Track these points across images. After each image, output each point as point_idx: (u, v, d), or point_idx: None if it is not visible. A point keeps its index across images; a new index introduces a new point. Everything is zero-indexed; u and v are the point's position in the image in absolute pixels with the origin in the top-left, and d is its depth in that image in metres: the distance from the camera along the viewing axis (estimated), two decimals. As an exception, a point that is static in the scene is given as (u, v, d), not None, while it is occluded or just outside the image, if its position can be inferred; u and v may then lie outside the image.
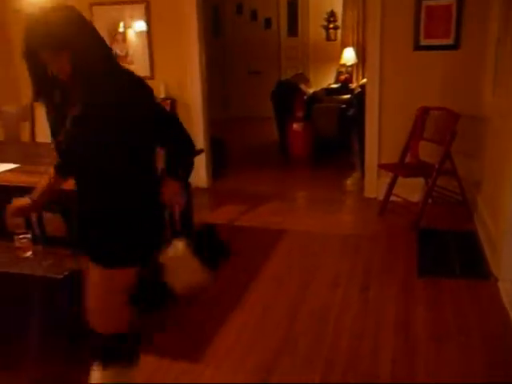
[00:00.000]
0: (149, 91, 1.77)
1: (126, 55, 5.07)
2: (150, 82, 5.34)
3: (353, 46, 8.12)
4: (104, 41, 1.71)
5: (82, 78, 1.60)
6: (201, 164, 4.92)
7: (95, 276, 1.79)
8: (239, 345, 2.57)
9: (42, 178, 1.84)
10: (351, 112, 6.17)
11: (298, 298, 3.00)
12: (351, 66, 8.13)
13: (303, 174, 5.89)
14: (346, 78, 7.91)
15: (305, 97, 6.29)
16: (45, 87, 1.69)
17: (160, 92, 4.91)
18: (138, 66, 5.03)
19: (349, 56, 8.01)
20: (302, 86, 6.58)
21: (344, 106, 6.31)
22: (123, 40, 5.05)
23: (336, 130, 6.15)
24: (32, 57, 1.60)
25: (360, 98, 4.96)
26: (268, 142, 7.17)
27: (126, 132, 1.65)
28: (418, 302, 2.91)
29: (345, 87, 7.57)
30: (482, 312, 2.78)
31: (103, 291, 1.80)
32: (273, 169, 5.99)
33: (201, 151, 3.46)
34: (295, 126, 6.06)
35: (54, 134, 1.76)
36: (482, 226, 3.74)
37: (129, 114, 1.63)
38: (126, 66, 4.57)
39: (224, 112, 8.83)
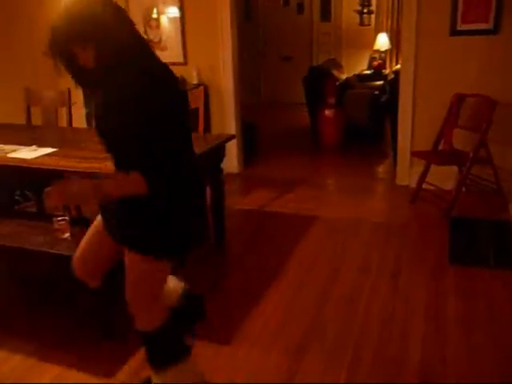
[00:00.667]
0: (174, 82, 1.78)
1: (160, 41, 5.12)
2: (182, 68, 5.42)
3: (387, 31, 7.99)
4: (135, 29, 1.73)
5: (104, 68, 1.65)
6: (232, 149, 4.95)
7: (132, 263, 1.82)
8: (269, 328, 2.61)
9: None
10: (384, 98, 6.10)
11: (327, 282, 3.02)
12: (385, 51, 8.00)
13: (334, 160, 5.86)
14: (379, 64, 7.79)
15: (337, 83, 6.24)
16: (78, 76, 1.73)
17: (192, 78, 4.96)
18: (172, 52, 5.08)
19: (382, 41, 7.88)
20: (335, 72, 6.52)
21: (377, 92, 6.24)
22: (157, 26, 5.09)
23: (368, 117, 6.09)
24: (59, 50, 1.64)
25: (393, 84, 4.90)
26: (299, 128, 7.15)
27: (149, 121, 1.62)
28: (448, 290, 2.90)
29: (378, 73, 7.47)
30: (515, 302, 2.75)
31: (143, 281, 1.84)
32: (304, 155, 5.98)
33: (232, 137, 3.48)
34: (327, 112, 6.03)
35: (88, 120, 1.82)
36: (516, 215, 3.68)
37: (150, 104, 1.61)
38: (160, 52, 4.74)
39: (255, 97, 8.83)
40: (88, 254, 2.04)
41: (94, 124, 1.78)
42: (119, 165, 1.77)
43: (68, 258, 2.17)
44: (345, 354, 2.37)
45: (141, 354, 2.38)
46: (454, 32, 4.15)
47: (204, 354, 2.41)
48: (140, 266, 1.81)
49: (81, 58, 1.65)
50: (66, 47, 1.62)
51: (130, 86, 1.61)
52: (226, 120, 5.08)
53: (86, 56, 1.64)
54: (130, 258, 1.82)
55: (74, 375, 2.31)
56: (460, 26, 4.12)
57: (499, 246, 3.39)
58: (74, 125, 4.06)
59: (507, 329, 2.52)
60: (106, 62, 1.64)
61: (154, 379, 1.97)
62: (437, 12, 4.16)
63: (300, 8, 8.78)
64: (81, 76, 1.73)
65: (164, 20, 5.07)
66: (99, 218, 1.98)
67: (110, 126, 1.69)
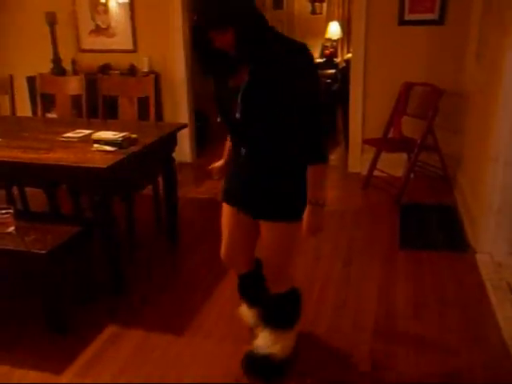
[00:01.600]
0: (308, 58, 1.75)
1: (108, 27, 4.98)
2: (132, 56, 5.28)
3: (338, 20, 8.06)
4: (261, 12, 1.78)
5: (246, 50, 1.71)
6: (185, 138, 4.90)
7: (279, 233, 1.95)
8: (224, 317, 2.61)
9: (226, 144, 2.14)
10: (336, 87, 6.17)
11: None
12: (336, 40, 8.08)
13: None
14: (330, 52, 7.88)
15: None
16: (211, 61, 1.83)
17: (143, 65, 4.86)
18: (121, 39, 4.96)
19: (334, 30, 7.96)
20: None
21: (329, 80, 6.30)
22: (105, 11, 4.94)
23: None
24: (201, 35, 1.72)
25: (345, 72, 4.96)
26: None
27: (290, 96, 1.72)
28: (399, 274, 2.98)
29: (330, 62, 7.55)
30: (460, 283, 2.86)
31: (287, 246, 2.00)
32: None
33: (184, 126, 3.44)
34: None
35: (220, 102, 1.92)
36: (462, 200, 3.81)
37: (289, 81, 1.70)
38: (108, 38, 4.63)
39: (209, 86, 8.73)
40: (233, 242, 2.13)
41: (223, 107, 1.89)
42: (264, 142, 1.85)
43: (14, 253, 2.09)
44: (298, 338, 2.40)
45: (91, 349, 2.36)
46: (402, 22, 4.24)
47: (158, 345, 2.40)
48: (287, 231, 1.95)
49: (220, 42, 1.70)
50: (208, 29, 1.69)
51: (292, 60, 1.71)
52: (179, 109, 5.01)
53: (226, 40, 1.69)
54: (275, 228, 1.94)
55: (21, 374, 2.24)
56: (407, 16, 4.20)
57: (445, 230, 3.51)
58: (19, 113, 3.92)
59: (452, 307, 2.62)
60: (245, 45, 1.70)
61: (270, 340, 2.12)
62: (386, 2, 4.22)
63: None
64: (213, 60, 1.81)
65: (112, 5, 4.92)
66: (226, 208, 2.09)
67: (266, 102, 1.74)
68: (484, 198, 3.07)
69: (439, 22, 4.15)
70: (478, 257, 3.09)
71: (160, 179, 3.43)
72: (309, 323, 2.52)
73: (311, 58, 1.74)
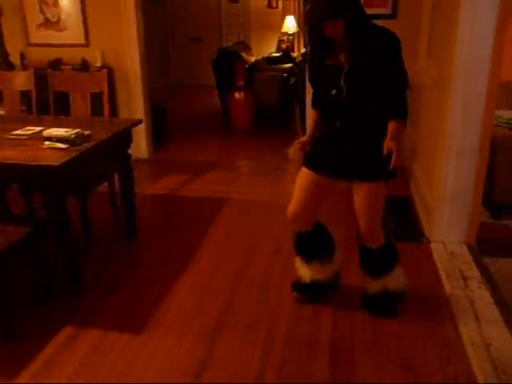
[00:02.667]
0: (397, 43, 2.14)
1: (58, 21, 4.82)
2: (84, 50, 5.13)
3: (294, 14, 8.10)
4: (362, 4, 2.14)
5: (353, 39, 2.08)
6: (141, 134, 4.82)
7: (376, 192, 2.32)
8: (183, 313, 2.59)
9: (310, 120, 2.45)
10: (292, 81, 6.20)
11: (241, 265, 3.04)
12: (292, 34, 8.12)
13: (245, 142, 5.88)
14: (287, 46, 7.91)
15: (246, 65, 6.24)
16: (319, 48, 2.20)
17: (96, 60, 4.74)
18: (71, 33, 4.82)
19: (290, 24, 8.00)
20: (243, 55, 6.52)
21: (285, 74, 6.32)
22: (54, 4, 4.78)
23: (277, 99, 6.16)
24: (315, 25, 2.10)
25: (301, 66, 4.98)
26: (210, 111, 7.10)
27: (384, 74, 2.11)
28: (355, 265, 3.01)
29: (286, 56, 7.57)
30: (415, 272, 2.92)
31: (380, 203, 2.37)
32: (215, 138, 5.96)
33: (140, 121, 3.38)
34: (237, 94, 6.02)
35: (318, 81, 2.28)
36: (416, 191, 3.90)
37: (385, 63, 2.10)
38: (58, 32, 4.53)
39: (164, 80, 8.64)
40: (306, 203, 2.43)
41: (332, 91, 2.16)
42: (360, 113, 2.19)
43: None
44: (258, 335, 2.41)
45: (47, 352, 2.30)
46: (356, 15, 4.27)
47: (118, 344, 2.36)
48: (378, 191, 2.32)
49: (330, 31, 2.06)
50: (321, 21, 2.05)
51: (386, 45, 2.12)
52: (134, 104, 4.92)
53: (337, 31, 2.05)
54: (369, 189, 2.30)
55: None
56: (362, 10, 4.25)
57: (401, 220, 3.59)
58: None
59: (409, 296, 2.68)
60: (353, 35, 2.06)
61: (381, 284, 2.48)
62: None
63: (208, -11, 8.66)
64: (322, 45, 2.17)
65: (62, -2, 4.78)
66: (307, 173, 2.39)
67: (366, 81, 2.12)
68: (437, 188, 3.15)
69: (392, 16, 4.22)
70: (433, 246, 3.17)
71: (116, 176, 3.36)
72: (269, 315, 2.53)
73: (399, 42, 2.13)
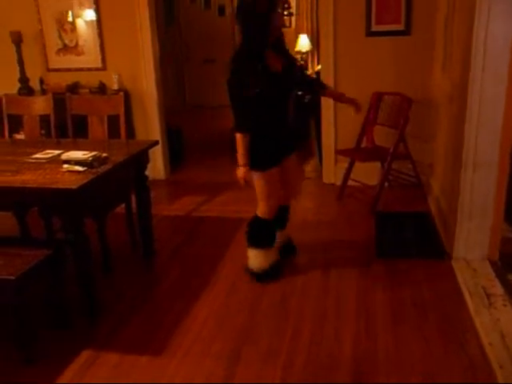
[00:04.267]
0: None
1: (76, 46, 4.92)
2: (102, 74, 5.22)
3: (307, 32, 8.15)
4: None
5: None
6: (157, 155, 4.86)
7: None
8: (202, 335, 2.57)
9: (240, 144, 2.72)
10: (307, 99, 6.20)
11: (258, 285, 3.01)
12: (306, 52, 8.16)
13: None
14: (301, 64, 7.94)
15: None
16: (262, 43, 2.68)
17: (112, 83, 4.81)
18: (89, 57, 4.91)
19: (304, 43, 8.03)
20: (258, 74, 6.54)
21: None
22: (72, 30, 4.89)
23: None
24: (261, 18, 2.60)
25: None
26: (225, 131, 7.11)
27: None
28: (376, 284, 2.98)
29: (300, 74, 7.58)
30: (438, 290, 2.87)
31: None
32: (230, 157, 5.94)
33: (156, 143, 3.40)
34: (252, 114, 6.04)
35: (269, 82, 2.70)
36: (435, 207, 3.85)
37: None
38: (76, 57, 4.64)
39: (180, 102, 8.72)
40: (279, 195, 2.95)
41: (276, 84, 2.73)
42: (298, 97, 3.12)
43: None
44: (279, 356, 2.37)
45: (66, 376, 2.29)
46: (370, 33, 4.29)
47: (137, 366, 2.34)
48: None
49: (277, 24, 2.89)
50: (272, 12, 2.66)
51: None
52: (150, 126, 4.97)
53: (281, 23, 3.00)
54: (296, 157, 3.03)
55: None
56: (374, 27, 4.26)
57: (421, 237, 3.53)
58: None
59: (431, 317, 2.62)
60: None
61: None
62: (352, 14, 4.28)
63: (221, 11, 8.77)
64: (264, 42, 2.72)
65: (80, 23, 4.87)
66: (273, 171, 2.83)
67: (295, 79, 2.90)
68: (456, 203, 3.10)
69: (406, 32, 4.22)
70: (454, 263, 3.11)
71: (133, 197, 3.38)
72: (289, 336, 2.50)
73: None
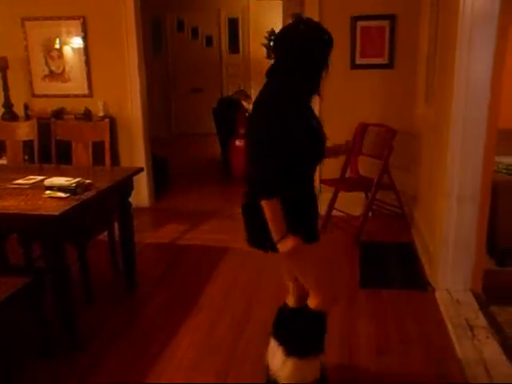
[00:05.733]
0: None
1: (63, 72, 4.92)
2: (88, 100, 5.22)
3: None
4: None
5: None
6: (142, 183, 4.83)
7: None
8: (183, 366, 2.51)
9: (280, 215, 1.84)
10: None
11: (243, 313, 2.97)
12: (292, 83, 8.27)
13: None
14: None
15: (246, 113, 6.32)
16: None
17: (98, 110, 4.81)
18: (75, 84, 4.91)
19: (289, 74, 8.15)
20: (244, 103, 6.62)
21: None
22: (59, 57, 4.90)
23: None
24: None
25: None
26: (211, 159, 7.15)
27: None
28: (360, 314, 2.96)
29: (286, 104, 7.66)
30: (421, 321, 2.86)
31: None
32: (215, 186, 5.97)
33: (141, 169, 3.39)
34: (237, 142, 6.07)
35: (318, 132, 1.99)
36: (419, 237, 3.87)
37: None
38: (62, 83, 4.66)
39: (166, 130, 8.74)
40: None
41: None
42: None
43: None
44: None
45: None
46: (354, 66, 4.38)
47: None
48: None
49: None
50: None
51: None
52: (135, 153, 4.95)
53: None
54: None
55: None
56: (359, 60, 4.35)
57: (404, 268, 3.54)
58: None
59: (414, 347, 2.61)
60: None
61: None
62: (338, 46, 4.28)
63: (209, 41, 8.90)
64: None
65: (67, 50, 4.89)
66: (315, 247, 2.02)
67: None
68: (440, 235, 3.12)
69: (389, 65, 4.31)
70: (437, 294, 3.11)
71: (116, 224, 3.34)
72: (272, 370, 2.45)
73: None
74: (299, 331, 2.03)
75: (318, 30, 1.94)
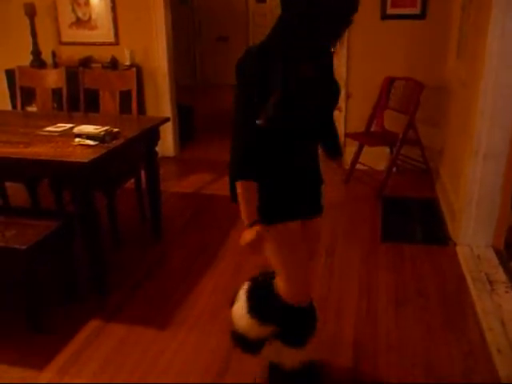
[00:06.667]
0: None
1: (89, 20, 4.91)
2: (114, 48, 5.22)
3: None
4: None
5: None
6: (168, 132, 4.87)
7: None
8: (208, 310, 2.62)
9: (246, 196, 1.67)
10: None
11: (264, 262, 3.04)
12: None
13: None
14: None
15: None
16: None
17: (125, 59, 4.81)
18: (102, 31, 4.90)
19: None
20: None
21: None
22: (85, 3, 4.87)
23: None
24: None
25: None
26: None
27: None
28: (380, 267, 3.01)
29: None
30: (441, 275, 2.90)
31: None
32: (241, 137, 5.97)
33: (167, 119, 3.42)
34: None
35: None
36: (443, 193, 3.85)
37: None
38: (89, 31, 4.67)
39: (191, 79, 8.70)
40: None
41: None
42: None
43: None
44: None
45: (73, 346, 2.35)
46: (385, 16, 4.25)
47: (142, 340, 2.40)
48: None
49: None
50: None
51: None
52: (161, 102, 4.97)
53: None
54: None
55: (1, 369, 2.22)
56: (390, 10, 4.22)
57: (427, 223, 3.55)
58: (-2, 107, 3.86)
59: (432, 300, 2.66)
60: None
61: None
62: None
63: (235, -12, 8.68)
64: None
65: (93, -3, 4.86)
66: (295, 227, 1.78)
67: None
68: (464, 191, 3.11)
69: (421, 16, 4.17)
70: (459, 249, 3.13)
71: (143, 173, 3.41)
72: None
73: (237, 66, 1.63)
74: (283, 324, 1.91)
75: None
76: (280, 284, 1.86)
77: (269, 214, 1.72)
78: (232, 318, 2.01)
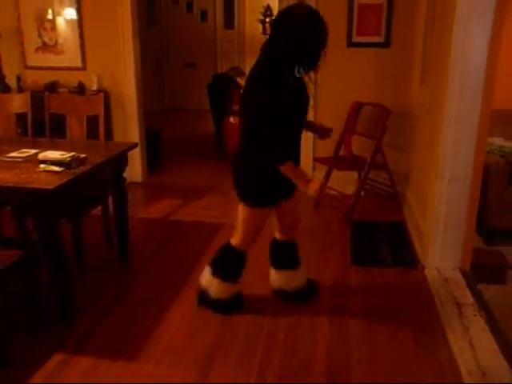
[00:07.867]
0: None
1: (55, 44, 4.86)
2: (81, 74, 5.15)
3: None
4: None
5: None
6: (135, 157, 4.82)
7: None
8: (176, 341, 2.55)
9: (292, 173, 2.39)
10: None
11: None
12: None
13: (240, 167, 5.87)
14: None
15: (241, 90, 6.28)
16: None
17: (92, 83, 4.77)
18: (69, 56, 4.86)
19: (284, 50, 8.08)
20: (238, 80, 6.57)
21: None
22: (52, 28, 4.83)
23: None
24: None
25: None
26: (204, 136, 7.12)
27: None
28: (351, 290, 3.01)
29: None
30: (411, 299, 2.92)
31: None
32: (209, 162, 5.96)
33: (135, 145, 3.38)
34: (231, 119, 6.05)
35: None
36: (410, 217, 3.91)
37: None
38: (55, 56, 4.59)
39: (159, 104, 8.69)
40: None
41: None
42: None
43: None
44: (253, 361, 2.38)
45: (37, 379, 2.25)
46: (351, 44, 4.36)
47: (110, 371, 2.32)
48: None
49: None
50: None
51: None
52: (129, 127, 4.93)
53: None
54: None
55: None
56: (355, 38, 4.33)
57: (395, 246, 3.59)
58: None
59: (403, 322, 2.67)
60: None
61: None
62: (334, 24, 4.25)
63: (203, 15, 8.78)
64: None
65: (60, 22, 4.82)
66: (264, 211, 2.61)
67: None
68: (430, 215, 3.16)
69: (385, 44, 4.30)
70: (427, 272, 3.17)
71: (110, 199, 3.35)
72: (263, 341, 2.51)
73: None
74: (218, 258, 2.74)
75: (317, 19, 2.42)
76: (235, 236, 2.67)
77: (254, 201, 2.54)
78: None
